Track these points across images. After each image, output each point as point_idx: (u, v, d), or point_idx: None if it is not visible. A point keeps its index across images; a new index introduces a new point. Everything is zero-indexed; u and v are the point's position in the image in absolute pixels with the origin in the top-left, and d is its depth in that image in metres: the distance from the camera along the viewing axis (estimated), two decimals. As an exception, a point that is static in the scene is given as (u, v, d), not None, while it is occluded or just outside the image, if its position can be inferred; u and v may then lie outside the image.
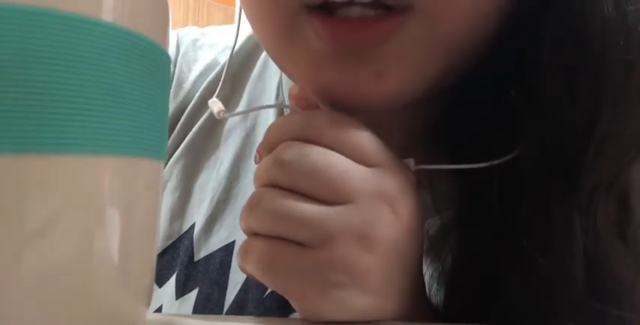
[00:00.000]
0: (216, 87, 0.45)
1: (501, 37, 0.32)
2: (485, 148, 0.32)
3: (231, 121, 0.45)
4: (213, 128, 0.45)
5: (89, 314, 0.17)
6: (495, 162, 0.31)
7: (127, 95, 0.18)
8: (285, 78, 0.44)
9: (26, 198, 0.16)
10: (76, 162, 0.17)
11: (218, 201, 0.43)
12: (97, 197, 0.17)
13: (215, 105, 0.37)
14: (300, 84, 0.33)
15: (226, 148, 0.44)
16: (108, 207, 0.18)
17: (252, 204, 0.29)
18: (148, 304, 0.21)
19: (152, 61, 0.19)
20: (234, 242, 0.41)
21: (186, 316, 0.37)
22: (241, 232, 0.41)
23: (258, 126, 0.44)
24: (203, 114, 0.46)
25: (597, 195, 0.30)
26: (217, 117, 0.36)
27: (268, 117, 0.44)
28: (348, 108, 0.31)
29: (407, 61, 0.29)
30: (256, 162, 0.31)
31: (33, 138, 0.16)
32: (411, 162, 0.31)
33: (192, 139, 0.45)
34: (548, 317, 0.29)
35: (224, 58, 0.47)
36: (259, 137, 0.43)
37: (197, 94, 0.46)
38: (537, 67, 0.31)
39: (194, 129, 0.45)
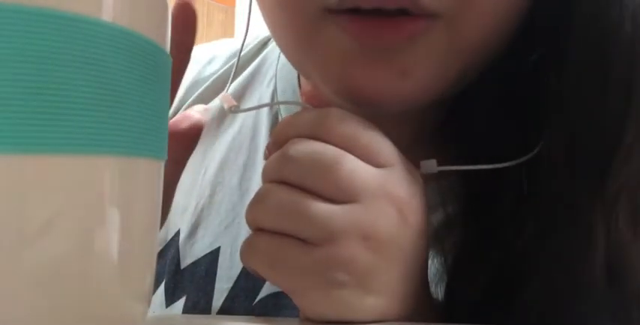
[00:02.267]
0: (207, 99, 0.46)
1: (522, 37, 0.32)
2: (494, 144, 0.32)
3: (218, 126, 0.45)
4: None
5: (89, 313, 0.17)
6: (514, 162, 0.31)
7: (126, 95, 0.18)
8: (279, 83, 0.44)
9: (26, 198, 0.16)
10: (76, 162, 0.17)
11: (202, 208, 0.42)
12: (97, 197, 0.17)
13: (226, 100, 0.37)
14: (324, 85, 0.33)
15: (213, 153, 0.44)
16: (108, 207, 0.18)
17: (259, 199, 0.29)
18: (148, 304, 0.21)
19: (152, 60, 0.19)
20: (219, 248, 0.41)
21: (186, 316, 0.37)
22: (226, 238, 0.41)
23: (244, 131, 0.44)
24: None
25: (622, 198, 0.30)
26: (228, 113, 0.37)
27: (257, 123, 0.44)
28: (371, 107, 0.31)
29: (431, 63, 0.30)
30: (265, 159, 0.31)
31: (33, 138, 0.16)
32: (433, 162, 0.31)
33: None
34: (569, 320, 0.29)
35: (210, 69, 0.48)
36: (245, 141, 0.43)
37: (185, 105, 0.46)
38: (565, 67, 0.31)
39: None
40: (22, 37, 0.15)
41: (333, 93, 0.33)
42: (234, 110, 0.37)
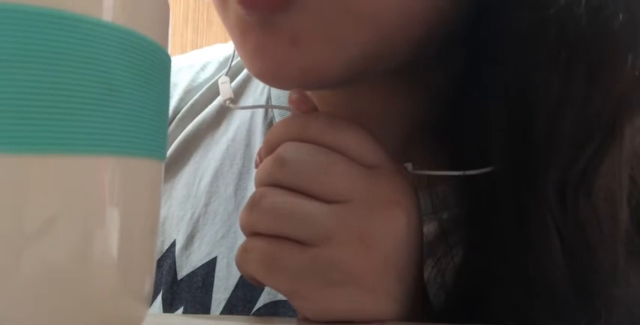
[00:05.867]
0: (200, 107, 0.46)
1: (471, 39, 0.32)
2: (481, 149, 0.32)
3: (212, 134, 0.45)
4: (195, 142, 0.45)
5: (89, 314, 0.17)
6: (482, 171, 0.31)
7: (126, 95, 0.18)
8: (273, 90, 0.44)
9: (26, 198, 0.16)
10: (76, 162, 0.17)
11: (198, 217, 0.42)
12: (97, 197, 0.17)
13: (223, 89, 0.37)
14: (240, 57, 0.33)
15: (208, 162, 0.44)
16: (108, 207, 0.18)
17: (253, 203, 0.29)
18: (148, 304, 0.21)
19: (152, 61, 0.19)
20: (215, 258, 0.40)
21: (185, 316, 0.37)
22: (222, 248, 0.41)
23: (238, 138, 0.44)
24: (182, 130, 0.46)
25: (569, 190, 0.29)
26: (224, 105, 0.37)
27: (251, 130, 0.44)
28: (272, 79, 0.31)
29: (319, 30, 0.29)
30: (256, 166, 0.31)
31: (33, 138, 0.16)
32: (409, 165, 0.31)
33: (171, 156, 0.45)
34: (533, 316, 0.29)
35: (203, 76, 0.47)
36: (239, 149, 0.43)
37: (179, 114, 0.46)
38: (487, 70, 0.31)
39: (173, 146, 0.45)
40: (22, 37, 0.15)
41: (249, 71, 0.33)
42: (229, 105, 0.37)
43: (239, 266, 0.30)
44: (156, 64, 0.19)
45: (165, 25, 0.21)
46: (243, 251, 0.29)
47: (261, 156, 0.31)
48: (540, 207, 0.29)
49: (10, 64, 0.15)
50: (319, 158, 0.28)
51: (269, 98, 0.44)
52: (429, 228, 0.34)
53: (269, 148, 0.30)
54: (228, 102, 0.36)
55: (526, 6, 0.29)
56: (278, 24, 0.29)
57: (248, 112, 0.44)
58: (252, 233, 0.29)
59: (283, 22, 0.29)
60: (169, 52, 0.21)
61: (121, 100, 0.18)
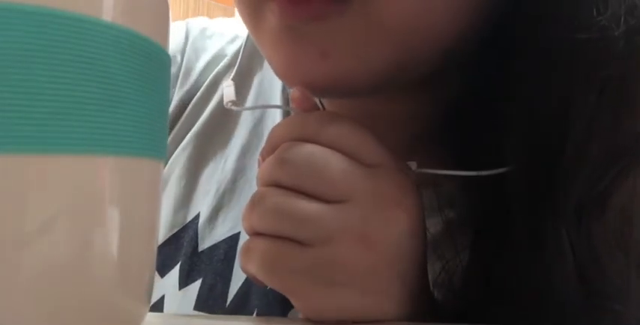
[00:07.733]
0: (223, 78, 0.46)
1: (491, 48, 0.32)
2: (488, 149, 0.32)
3: (237, 112, 0.46)
4: (223, 117, 0.46)
5: (89, 313, 0.17)
6: (491, 172, 0.31)
7: (127, 95, 0.18)
8: None
9: (26, 198, 0.16)
10: (76, 162, 0.17)
11: (224, 192, 0.43)
12: (97, 197, 0.17)
13: (227, 92, 0.37)
14: (270, 65, 0.33)
15: (235, 139, 0.45)
16: (108, 207, 0.18)
17: (254, 203, 0.29)
18: (148, 304, 0.21)
19: (152, 60, 0.19)
20: (239, 233, 0.41)
21: (186, 315, 0.37)
22: None
23: (265, 118, 0.44)
24: (211, 102, 0.46)
25: (587, 208, 0.29)
26: (225, 107, 0.37)
27: (276, 110, 0.44)
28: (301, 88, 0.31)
29: (350, 44, 0.30)
30: (259, 166, 0.31)
31: (33, 138, 0.16)
32: (413, 164, 0.31)
33: (200, 128, 0.46)
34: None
35: (232, 48, 0.48)
36: (266, 129, 0.44)
37: (205, 83, 0.46)
38: (514, 81, 0.31)
39: (202, 118, 0.46)
40: (22, 37, 0.15)
41: (281, 79, 0.33)
42: (230, 107, 0.37)
43: (242, 266, 0.30)
44: (156, 64, 0.19)
45: (166, 25, 0.21)
46: (246, 251, 0.29)
47: (264, 156, 0.31)
48: (557, 221, 0.29)
49: (10, 63, 0.15)
50: (320, 158, 0.28)
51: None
52: (436, 228, 0.34)
53: (271, 148, 0.30)
54: (230, 104, 0.37)
55: (562, 26, 0.29)
56: (310, 37, 0.30)
57: (272, 95, 0.45)
58: (254, 232, 0.29)
59: (315, 35, 0.30)
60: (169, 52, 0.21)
61: (121, 100, 0.18)
